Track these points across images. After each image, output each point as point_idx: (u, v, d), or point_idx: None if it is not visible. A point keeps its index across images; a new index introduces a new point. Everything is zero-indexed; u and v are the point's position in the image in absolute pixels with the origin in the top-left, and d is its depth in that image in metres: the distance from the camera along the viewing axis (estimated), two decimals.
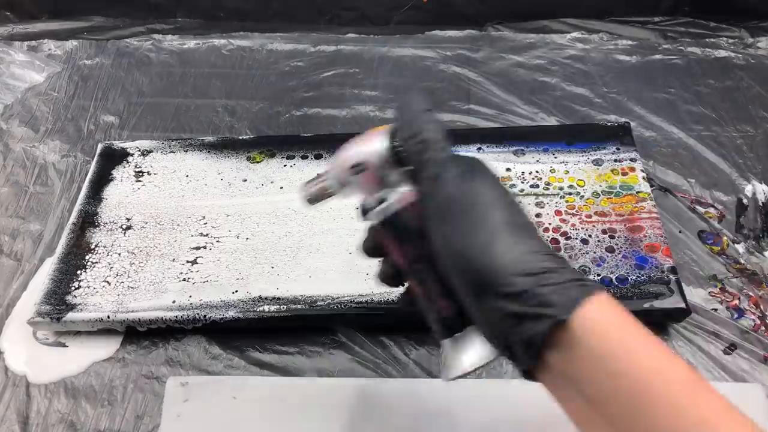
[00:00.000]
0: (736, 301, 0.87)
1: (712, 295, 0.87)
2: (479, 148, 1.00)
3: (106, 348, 0.87)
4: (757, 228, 0.94)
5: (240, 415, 0.77)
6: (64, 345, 0.88)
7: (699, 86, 1.17)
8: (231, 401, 0.78)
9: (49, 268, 0.91)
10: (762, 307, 0.86)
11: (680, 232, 0.94)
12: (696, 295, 0.87)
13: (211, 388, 0.80)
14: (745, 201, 0.98)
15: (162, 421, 0.78)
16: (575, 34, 1.28)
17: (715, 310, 0.86)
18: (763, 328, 0.84)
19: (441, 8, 1.34)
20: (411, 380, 0.81)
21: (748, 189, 0.99)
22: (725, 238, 0.93)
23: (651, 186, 0.95)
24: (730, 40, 1.25)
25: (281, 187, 0.98)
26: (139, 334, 0.87)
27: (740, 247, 0.92)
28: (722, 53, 1.22)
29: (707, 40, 1.26)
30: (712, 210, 0.97)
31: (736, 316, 0.85)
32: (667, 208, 0.97)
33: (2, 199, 1.06)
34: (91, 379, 0.84)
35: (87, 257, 0.91)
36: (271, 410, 0.77)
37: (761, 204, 0.97)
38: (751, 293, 0.87)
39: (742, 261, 0.91)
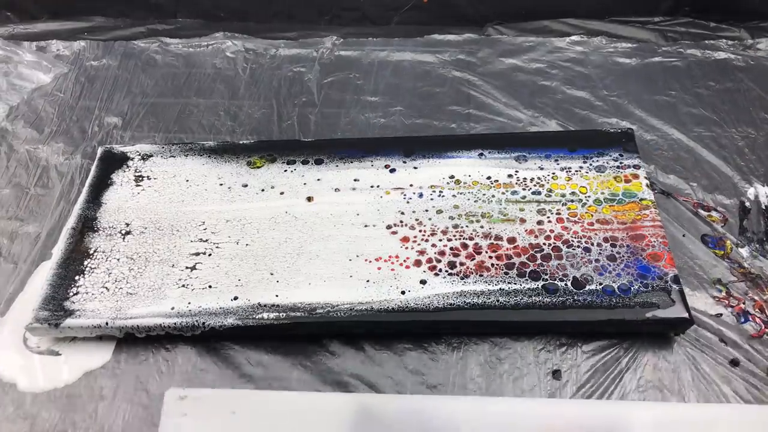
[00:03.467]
0: (741, 305, 0.86)
1: (717, 300, 0.87)
2: (481, 154, 0.99)
3: (98, 357, 0.86)
4: (761, 231, 0.94)
5: (239, 431, 0.77)
6: (57, 353, 0.87)
7: (699, 88, 1.16)
8: (230, 416, 0.77)
9: (47, 273, 0.90)
10: (767, 311, 0.85)
11: (683, 236, 0.94)
12: (700, 299, 0.87)
13: (210, 402, 0.79)
14: (747, 204, 0.97)
15: None
16: (575, 38, 1.28)
17: (720, 315, 0.86)
18: None
19: (441, 9, 1.34)
20: (414, 397, 0.81)
21: (751, 192, 0.99)
22: (728, 241, 0.93)
23: (653, 190, 0.95)
24: (730, 42, 1.24)
25: (282, 193, 0.97)
26: (132, 343, 0.87)
27: (744, 251, 0.92)
28: (722, 55, 1.22)
29: (707, 41, 1.25)
30: (714, 213, 0.96)
31: (742, 320, 0.85)
32: (669, 212, 0.97)
33: (3, 201, 1.05)
34: (81, 388, 0.84)
35: (86, 263, 0.91)
36: (271, 426, 0.77)
37: (764, 207, 0.97)
38: (756, 297, 0.87)
39: (746, 265, 0.91)
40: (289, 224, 0.93)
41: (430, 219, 0.92)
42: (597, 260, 0.85)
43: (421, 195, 0.95)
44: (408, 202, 0.94)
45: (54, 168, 1.10)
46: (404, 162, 1.00)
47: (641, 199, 0.92)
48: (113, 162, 1.04)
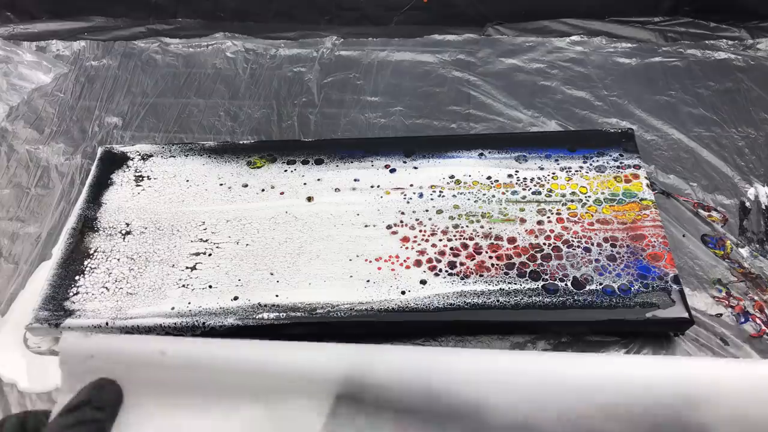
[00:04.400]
0: (741, 306, 0.86)
1: (717, 300, 0.87)
2: (481, 154, 0.99)
3: None
4: (761, 231, 0.94)
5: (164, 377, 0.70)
6: (57, 354, 0.87)
7: (699, 88, 1.16)
8: (159, 357, 0.69)
9: (47, 273, 0.90)
10: (767, 311, 0.85)
11: (683, 236, 0.94)
12: (700, 299, 0.87)
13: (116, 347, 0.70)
14: (747, 204, 0.97)
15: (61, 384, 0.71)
16: (575, 38, 1.28)
17: (720, 315, 0.86)
18: None
19: (441, 9, 1.34)
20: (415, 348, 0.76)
21: (751, 192, 0.99)
22: (728, 241, 0.93)
23: (653, 190, 0.95)
24: (730, 42, 1.24)
25: (282, 193, 0.97)
26: None
27: (744, 251, 0.92)
28: (722, 55, 1.22)
29: (707, 41, 1.25)
30: (714, 213, 0.96)
31: (741, 320, 0.85)
32: (669, 212, 0.97)
33: (3, 201, 1.05)
34: None
35: (86, 263, 0.90)
36: (215, 372, 0.70)
37: (764, 207, 0.97)
38: (756, 297, 0.87)
39: (746, 265, 0.91)
40: (290, 224, 0.93)
41: (430, 219, 0.92)
42: (597, 260, 0.85)
43: (421, 195, 0.95)
44: (408, 202, 0.94)
45: (54, 168, 1.10)
46: (404, 162, 0.99)
47: (641, 199, 0.91)
48: (113, 162, 1.04)
